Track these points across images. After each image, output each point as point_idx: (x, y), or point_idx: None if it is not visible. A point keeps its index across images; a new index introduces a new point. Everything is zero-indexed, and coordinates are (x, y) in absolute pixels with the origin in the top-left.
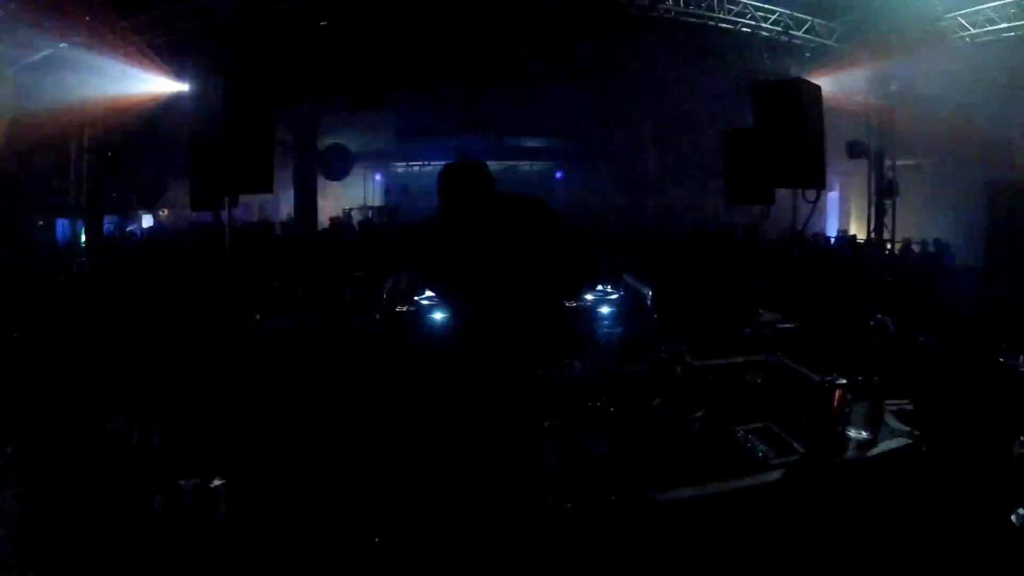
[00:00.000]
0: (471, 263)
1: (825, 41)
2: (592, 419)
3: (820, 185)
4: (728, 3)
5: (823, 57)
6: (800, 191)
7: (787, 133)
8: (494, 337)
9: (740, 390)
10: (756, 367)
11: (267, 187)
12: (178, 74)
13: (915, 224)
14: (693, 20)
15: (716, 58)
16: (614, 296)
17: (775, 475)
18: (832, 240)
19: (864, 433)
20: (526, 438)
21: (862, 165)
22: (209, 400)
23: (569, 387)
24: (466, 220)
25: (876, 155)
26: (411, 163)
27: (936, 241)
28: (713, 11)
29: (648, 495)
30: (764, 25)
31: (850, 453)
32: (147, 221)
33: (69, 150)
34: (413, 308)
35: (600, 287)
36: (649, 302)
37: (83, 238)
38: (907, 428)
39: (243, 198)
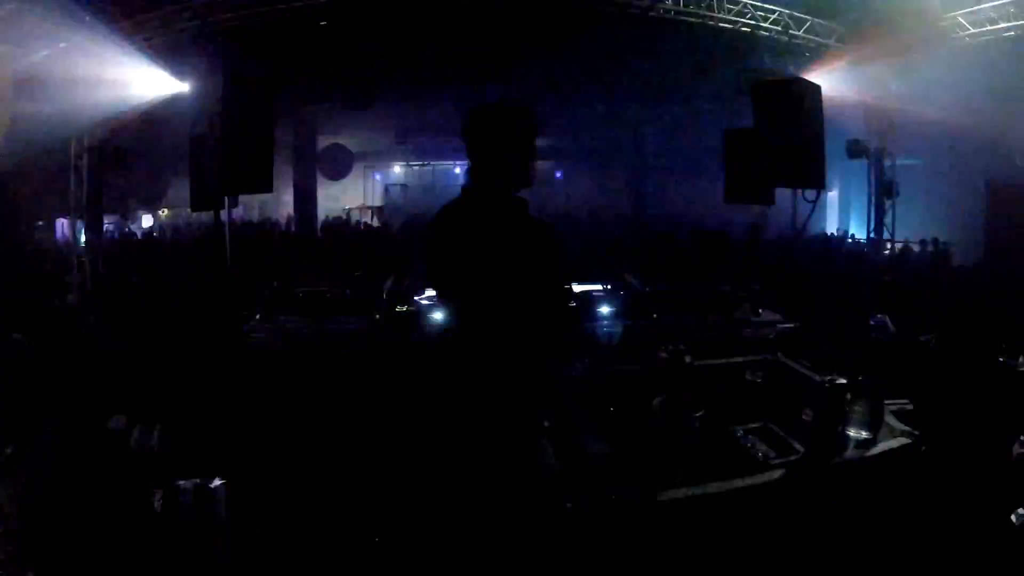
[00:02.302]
0: (476, 266)
1: (825, 41)
2: (592, 419)
3: (820, 185)
4: (728, 3)
5: (823, 57)
6: (800, 191)
7: (787, 133)
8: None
9: (740, 390)
10: (756, 367)
11: (267, 187)
12: (178, 74)
13: (915, 224)
14: (693, 19)
15: (716, 58)
16: (614, 295)
17: (775, 475)
18: (832, 235)
19: (864, 433)
20: (526, 438)
21: (862, 165)
22: (211, 401)
23: (569, 387)
24: (489, 199)
25: (876, 155)
26: (411, 163)
27: (936, 240)
28: (713, 11)
29: (648, 495)
30: (764, 25)
31: (850, 453)
32: (147, 221)
33: (69, 149)
34: (413, 308)
35: (600, 286)
36: (649, 301)
37: (83, 238)
38: (907, 428)
39: (243, 198)
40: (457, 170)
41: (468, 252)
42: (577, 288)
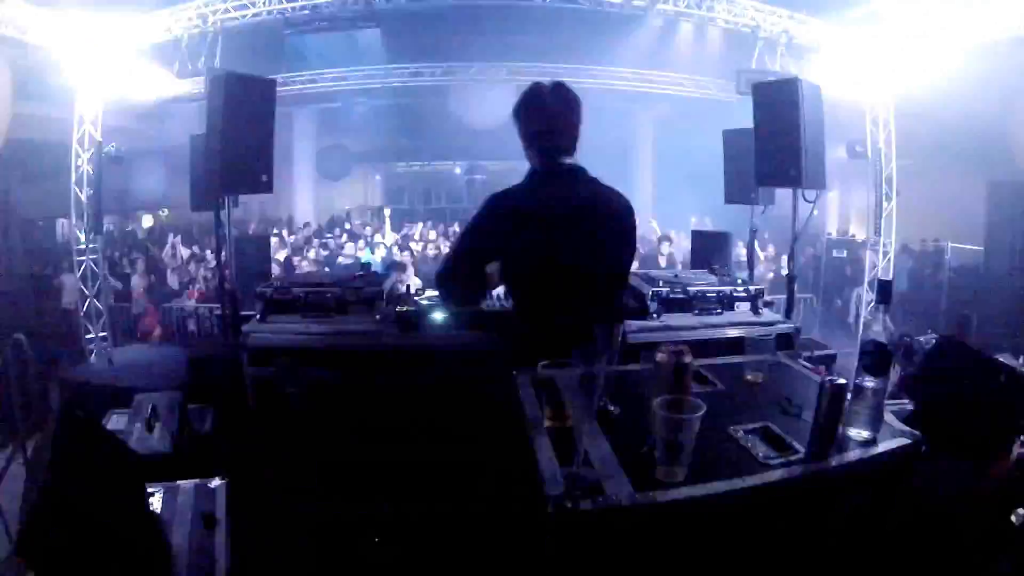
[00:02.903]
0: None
1: (825, 41)
2: (592, 419)
3: (820, 185)
4: (728, 3)
5: (823, 57)
6: (800, 191)
7: (787, 133)
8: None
9: (740, 390)
10: (756, 367)
11: (267, 187)
12: (178, 74)
13: (915, 224)
14: (693, 19)
15: (716, 57)
16: None
17: (775, 475)
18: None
19: (864, 433)
20: (526, 437)
21: (862, 165)
22: (212, 400)
23: (569, 387)
24: (553, 169)
25: (876, 155)
26: (411, 163)
27: (936, 241)
28: (713, 11)
29: (648, 495)
30: (764, 25)
31: (850, 453)
32: (147, 221)
33: (69, 149)
34: (413, 308)
35: None
36: (650, 301)
37: (83, 238)
38: (907, 428)
39: (242, 198)
40: (457, 170)
41: (538, 222)
42: None
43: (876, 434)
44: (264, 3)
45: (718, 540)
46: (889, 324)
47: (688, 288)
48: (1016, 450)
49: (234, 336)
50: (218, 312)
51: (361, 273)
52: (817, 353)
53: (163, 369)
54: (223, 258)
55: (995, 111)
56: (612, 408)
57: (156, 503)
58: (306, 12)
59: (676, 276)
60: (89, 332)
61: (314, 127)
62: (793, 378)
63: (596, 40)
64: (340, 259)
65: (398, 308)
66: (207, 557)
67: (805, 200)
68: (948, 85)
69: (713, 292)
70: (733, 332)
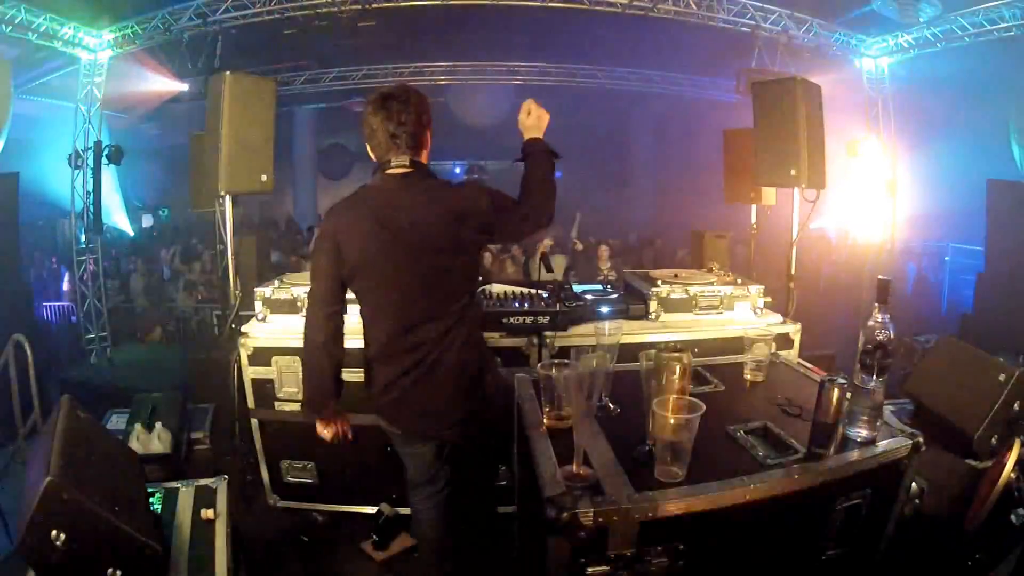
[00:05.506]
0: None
1: (825, 41)
2: (592, 419)
3: (820, 185)
4: (728, 3)
5: (823, 57)
6: (800, 191)
7: (787, 133)
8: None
9: (740, 390)
10: (756, 367)
11: (267, 187)
12: (178, 73)
13: (915, 224)
14: (693, 20)
15: (716, 57)
16: (614, 296)
17: (775, 475)
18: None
19: (864, 433)
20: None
21: (863, 165)
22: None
23: (568, 387)
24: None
25: (876, 154)
26: None
27: (935, 241)
28: (713, 11)
29: (648, 495)
30: (764, 25)
31: (850, 453)
32: (147, 221)
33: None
34: None
35: (600, 287)
36: (649, 301)
37: (83, 238)
38: (907, 428)
39: (242, 198)
40: (457, 170)
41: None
42: (577, 288)
43: (876, 434)
44: (264, 3)
45: (717, 540)
46: (889, 324)
47: (688, 288)
48: (1016, 450)
49: (234, 336)
50: (218, 312)
51: None
52: (817, 353)
53: (163, 369)
54: (223, 258)
55: (995, 110)
56: (612, 408)
57: (156, 503)
58: (306, 12)
59: (676, 276)
60: (89, 332)
61: (314, 127)
62: (793, 378)
63: (596, 40)
64: None
65: None
66: (207, 557)
67: (805, 200)
68: (948, 84)
69: (713, 292)
70: (733, 332)
